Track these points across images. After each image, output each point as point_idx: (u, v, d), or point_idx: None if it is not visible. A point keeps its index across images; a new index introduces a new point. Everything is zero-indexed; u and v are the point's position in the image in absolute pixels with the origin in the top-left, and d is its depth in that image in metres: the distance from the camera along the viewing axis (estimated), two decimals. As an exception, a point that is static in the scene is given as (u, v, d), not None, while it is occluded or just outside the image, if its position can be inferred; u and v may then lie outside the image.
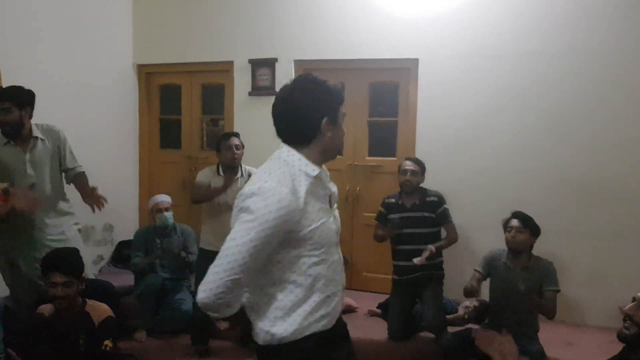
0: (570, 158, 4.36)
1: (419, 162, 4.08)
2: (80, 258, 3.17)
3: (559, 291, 3.43)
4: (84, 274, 3.18)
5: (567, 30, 4.32)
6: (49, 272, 3.02)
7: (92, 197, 3.67)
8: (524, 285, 3.38)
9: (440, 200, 4.03)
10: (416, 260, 3.78)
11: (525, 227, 3.48)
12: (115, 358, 3.19)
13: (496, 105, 4.53)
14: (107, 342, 3.05)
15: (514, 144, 4.50)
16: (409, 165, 4.03)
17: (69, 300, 3.04)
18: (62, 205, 3.80)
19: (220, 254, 1.65)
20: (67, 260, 3.06)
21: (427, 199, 4.04)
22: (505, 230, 3.56)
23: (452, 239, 4.04)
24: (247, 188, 1.70)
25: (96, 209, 3.71)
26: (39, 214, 3.61)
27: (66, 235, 3.73)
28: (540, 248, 3.63)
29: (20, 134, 3.57)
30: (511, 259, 3.55)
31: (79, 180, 3.81)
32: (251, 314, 1.81)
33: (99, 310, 3.18)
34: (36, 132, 3.63)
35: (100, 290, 3.76)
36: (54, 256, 3.10)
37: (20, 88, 3.53)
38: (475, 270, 3.66)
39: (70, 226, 3.83)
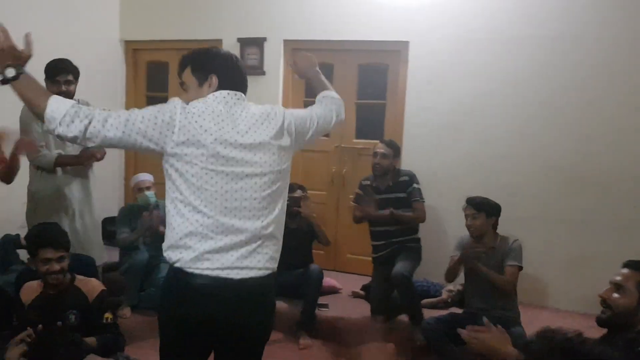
0: (557, 145, 4.39)
1: (391, 145, 4.06)
2: (64, 231, 3.13)
3: (520, 267, 3.35)
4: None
5: (557, 15, 4.32)
6: (39, 249, 2.94)
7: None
8: (485, 266, 3.33)
9: (412, 179, 4.04)
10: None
11: (479, 211, 3.40)
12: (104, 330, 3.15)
13: (485, 90, 4.53)
14: (108, 315, 3.06)
15: (501, 128, 4.52)
16: (379, 148, 4.04)
17: (63, 275, 3.00)
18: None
19: None
20: (56, 235, 2.99)
21: (400, 179, 4.06)
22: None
23: (418, 216, 4.00)
24: None
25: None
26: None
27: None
28: (521, 233, 3.65)
29: None
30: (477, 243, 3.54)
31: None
32: None
33: (91, 285, 3.12)
34: None
35: (80, 264, 3.70)
36: (43, 232, 3.05)
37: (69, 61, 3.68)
38: (451, 256, 3.59)
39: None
